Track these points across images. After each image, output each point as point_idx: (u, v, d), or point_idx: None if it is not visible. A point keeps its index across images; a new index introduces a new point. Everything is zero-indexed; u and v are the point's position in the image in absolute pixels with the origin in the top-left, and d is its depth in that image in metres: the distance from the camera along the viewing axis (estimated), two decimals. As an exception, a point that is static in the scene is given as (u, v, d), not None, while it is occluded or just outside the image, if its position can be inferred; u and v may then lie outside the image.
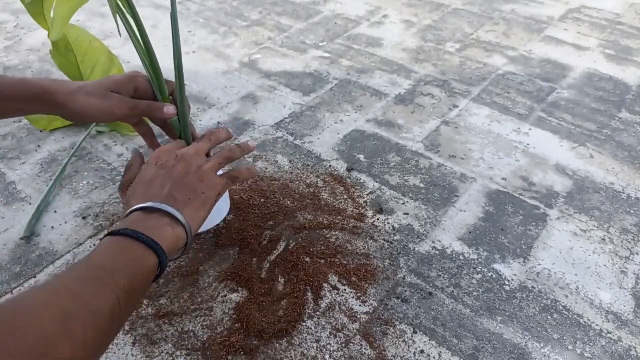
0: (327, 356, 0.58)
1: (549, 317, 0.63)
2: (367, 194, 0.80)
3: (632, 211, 0.78)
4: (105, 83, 0.58)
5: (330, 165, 0.85)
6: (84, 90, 0.56)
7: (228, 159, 0.57)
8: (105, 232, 0.50)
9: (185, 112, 0.59)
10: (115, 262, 0.41)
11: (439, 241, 0.72)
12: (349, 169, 0.84)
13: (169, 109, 0.59)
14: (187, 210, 0.49)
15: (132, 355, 0.58)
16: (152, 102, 0.59)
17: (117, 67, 0.91)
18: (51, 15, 0.59)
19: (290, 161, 0.86)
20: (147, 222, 0.46)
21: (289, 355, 0.58)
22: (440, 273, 0.68)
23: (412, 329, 0.61)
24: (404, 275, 0.67)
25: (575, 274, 0.68)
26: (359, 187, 0.81)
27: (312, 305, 0.63)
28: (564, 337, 0.60)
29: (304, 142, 0.90)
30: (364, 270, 0.67)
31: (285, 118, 0.96)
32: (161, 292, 0.64)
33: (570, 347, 0.59)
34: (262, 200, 0.78)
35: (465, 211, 0.77)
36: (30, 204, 0.77)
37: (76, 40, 0.85)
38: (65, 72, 0.88)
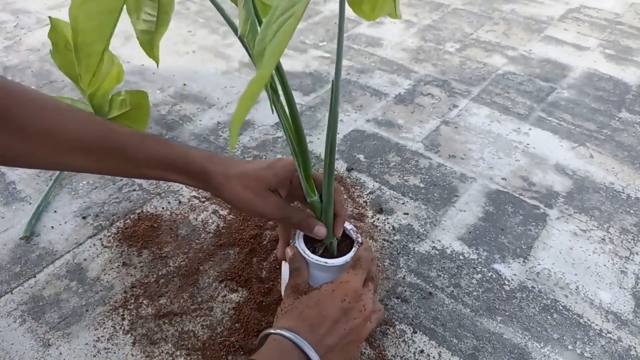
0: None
1: (549, 317, 0.63)
2: (367, 194, 0.80)
3: (632, 211, 0.78)
4: (266, 178, 0.52)
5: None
6: (243, 181, 0.51)
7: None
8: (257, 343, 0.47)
9: (331, 195, 0.51)
10: None
11: (439, 241, 0.72)
12: (349, 169, 0.84)
13: (320, 230, 0.53)
14: None
15: (132, 355, 0.58)
16: (305, 219, 0.53)
17: (117, 67, 0.91)
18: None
19: (290, 161, 0.86)
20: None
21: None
22: (440, 273, 0.68)
23: (412, 329, 0.61)
24: (404, 275, 0.67)
25: (575, 274, 0.68)
26: (359, 187, 0.81)
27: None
28: (564, 337, 0.60)
29: (304, 142, 0.90)
30: (364, 270, 0.67)
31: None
32: (161, 292, 0.65)
33: (570, 347, 0.59)
34: (262, 200, 0.78)
35: (465, 211, 0.77)
36: (30, 204, 0.77)
37: None
38: (65, 72, 0.88)
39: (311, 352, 0.41)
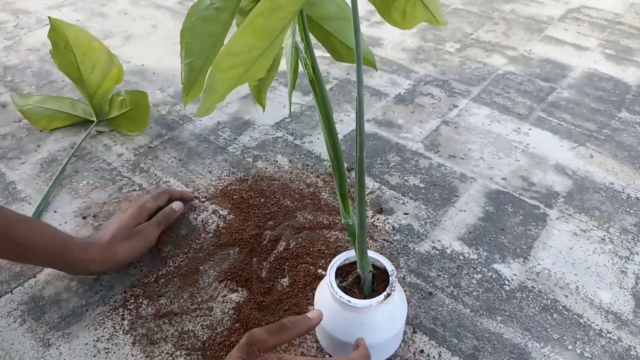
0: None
1: (549, 317, 0.63)
2: (367, 194, 0.79)
3: (632, 211, 0.78)
4: (123, 223, 0.65)
5: (330, 165, 0.85)
6: (116, 239, 0.63)
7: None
8: None
9: (363, 218, 0.50)
10: None
11: (439, 241, 0.72)
12: (349, 169, 0.84)
13: (176, 205, 0.73)
14: None
15: (132, 355, 0.58)
16: (164, 210, 0.72)
17: (117, 67, 0.91)
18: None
19: (290, 161, 0.86)
20: None
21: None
22: (440, 273, 0.68)
23: (412, 329, 0.61)
24: (404, 275, 0.67)
25: (575, 274, 0.68)
26: (359, 187, 0.81)
27: (312, 305, 0.63)
28: (564, 337, 0.60)
29: (304, 142, 0.90)
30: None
31: (285, 118, 0.96)
32: (161, 292, 0.65)
33: (570, 347, 0.59)
34: (262, 200, 0.78)
35: (465, 211, 0.77)
36: (30, 204, 0.77)
37: (76, 40, 0.85)
38: (65, 72, 0.88)
39: None
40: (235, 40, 0.33)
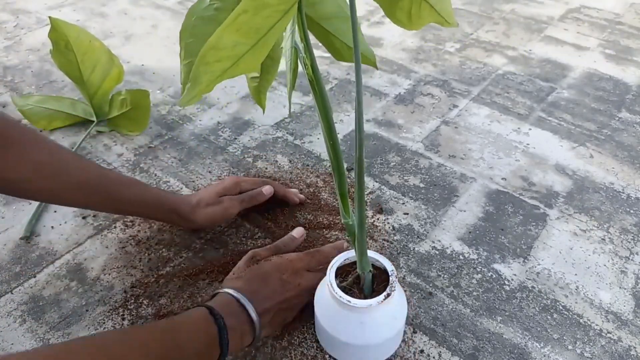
0: (327, 356, 0.58)
1: (549, 317, 0.63)
2: (367, 194, 0.79)
3: (632, 211, 0.78)
4: (215, 190, 0.69)
5: (330, 165, 0.85)
6: (202, 203, 0.67)
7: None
8: (206, 298, 0.55)
9: (363, 217, 0.51)
10: (190, 344, 0.47)
11: (439, 241, 0.72)
12: (349, 169, 0.84)
13: (266, 189, 0.72)
14: (268, 330, 0.56)
15: (132, 355, 0.58)
16: (253, 190, 0.72)
17: (118, 68, 0.91)
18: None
19: (290, 161, 0.86)
20: (237, 319, 0.51)
21: (289, 355, 0.58)
22: (440, 273, 0.68)
23: (412, 329, 0.61)
24: (404, 275, 0.67)
25: (575, 274, 0.68)
26: (359, 187, 0.81)
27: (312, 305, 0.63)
28: (564, 337, 0.60)
29: (304, 142, 0.90)
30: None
31: (285, 118, 0.96)
32: (161, 292, 0.65)
33: (570, 347, 0.59)
34: (262, 200, 0.78)
35: (465, 211, 0.77)
36: (30, 204, 0.77)
37: (77, 40, 0.85)
38: (65, 72, 0.88)
39: (251, 310, 0.52)
40: (218, 36, 0.33)
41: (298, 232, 0.68)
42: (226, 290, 0.53)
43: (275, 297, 0.55)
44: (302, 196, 0.77)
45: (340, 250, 0.62)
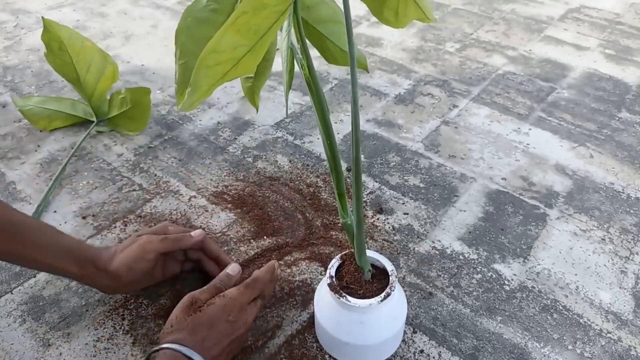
0: (327, 356, 0.58)
1: (549, 317, 0.63)
2: (367, 194, 0.80)
3: (632, 211, 0.78)
4: (137, 234, 0.62)
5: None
6: (120, 248, 0.60)
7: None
8: (152, 348, 0.51)
9: (360, 217, 0.51)
10: None
11: (439, 241, 0.72)
12: (348, 169, 0.84)
13: (195, 232, 0.63)
14: None
15: (132, 355, 0.58)
16: (179, 233, 0.63)
17: (112, 66, 0.91)
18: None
19: (290, 161, 0.86)
20: None
21: (289, 355, 0.58)
22: (440, 273, 0.68)
23: (412, 329, 0.61)
24: (404, 275, 0.67)
25: (575, 274, 0.68)
26: (359, 187, 0.81)
27: (312, 305, 0.63)
28: (564, 337, 0.60)
29: (304, 142, 0.90)
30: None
31: (285, 118, 0.96)
32: (161, 293, 0.65)
33: (570, 347, 0.59)
34: (262, 200, 0.78)
35: (465, 211, 0.77)
36: (30, 204, 0.77)
37: (69, 41, 0.85)
38: (61, 73, 0.88)
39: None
40: (218, 38, 0.33)
41: (233, 269, 0.59)
42: (168, 345, 0.49)
43: (224, 340, 0.52)
44: (236, 264, 0.62)
45: (273, 271, 0.58)
